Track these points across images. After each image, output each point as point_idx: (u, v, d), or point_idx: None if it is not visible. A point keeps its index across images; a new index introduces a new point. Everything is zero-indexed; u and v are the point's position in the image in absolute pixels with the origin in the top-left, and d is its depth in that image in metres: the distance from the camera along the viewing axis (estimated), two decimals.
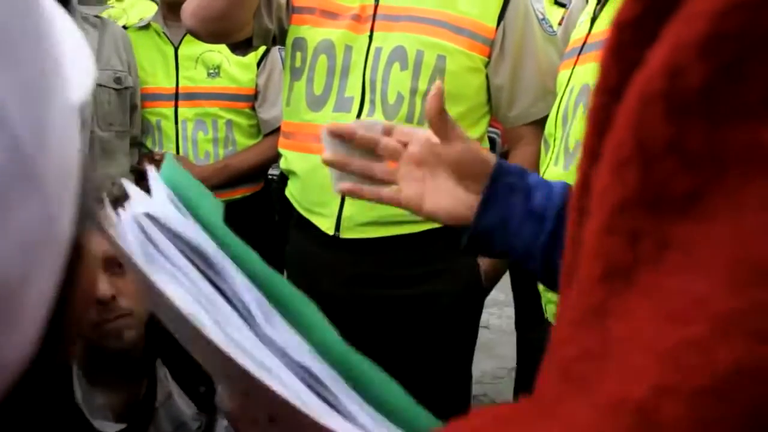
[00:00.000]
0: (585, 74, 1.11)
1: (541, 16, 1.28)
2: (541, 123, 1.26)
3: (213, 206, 0.38)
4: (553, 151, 1.16)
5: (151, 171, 0.41)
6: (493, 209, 0.61)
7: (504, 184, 0.61)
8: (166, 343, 1.04)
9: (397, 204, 0.65)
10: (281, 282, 0.36)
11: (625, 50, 0.23)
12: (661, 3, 0.21)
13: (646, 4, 0.22)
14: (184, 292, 0.34)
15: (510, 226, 0.61)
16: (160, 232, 0.36)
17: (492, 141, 1.42)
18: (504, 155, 1.47)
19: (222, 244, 0.36)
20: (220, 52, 1.71)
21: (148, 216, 0.36)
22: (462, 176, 0.63)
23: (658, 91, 0.20)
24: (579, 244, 0.23)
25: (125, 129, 1.70)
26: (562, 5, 2.06)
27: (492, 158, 0.64)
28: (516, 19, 1.20)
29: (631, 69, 0.21)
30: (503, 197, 0.61)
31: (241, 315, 0.35)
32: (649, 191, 0.20)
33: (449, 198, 0.63)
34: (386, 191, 0.65)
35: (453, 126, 0.64)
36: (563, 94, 1.15)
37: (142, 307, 0.98)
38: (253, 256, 0.36)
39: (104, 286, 0.93)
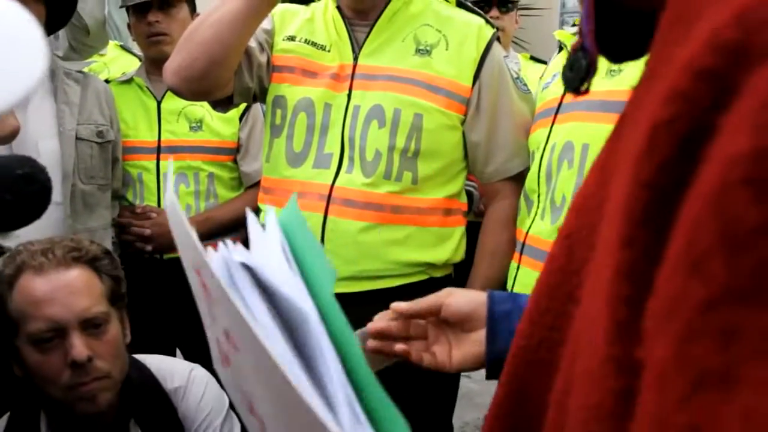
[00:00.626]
0: (566, 133, 1.14)
1: (515, 75, 1.32)
2: (516, 178, 1.29)
3: (326, 271, 0.34)
4: (538, 207, 1.19)
5: (270, 212, 0.38)
6: (499, 336, 0.70)
7: (500, 312, 0.71)
8: (141, 404, 1.02)
9: (435, 367, 0.76)
10: (374, 385, 0.32)
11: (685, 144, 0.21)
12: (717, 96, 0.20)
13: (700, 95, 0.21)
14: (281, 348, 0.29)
15: None
16: (250, 283, 0.32)
17: (469, 194, 1.44)
18: (481, 213, 1.50)
19: (323, 316, 0.32)
20: (203, 106, 1.73)
21: (244, 266, 0.32)
22: (463, 322, 0.73)
23: (742, 176, 0.18)
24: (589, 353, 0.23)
25: (107, 182, 1.70)
26: (541, 61, 2.13)
27: (481, 295, 0.73)
28: (491, 78, 1.24)
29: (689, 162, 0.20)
30: (503, 323, 0.70)
31: (325, 404, 0.30)
32: (742, 280, 0.18)
33: (465, 345, 0.74)
34: (427, 358, 0.76)
35: (436, 301, 0.75)
36: (543, 152, 1.19)
37: (118, 369, 0.97)
38: (353, 342, 0.32)
39: (80, 347, 0.91)
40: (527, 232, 1.20)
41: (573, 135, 1.14)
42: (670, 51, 0.25)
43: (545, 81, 1.30)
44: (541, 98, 1.29)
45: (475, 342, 0.72)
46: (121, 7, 1.89)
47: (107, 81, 1.90)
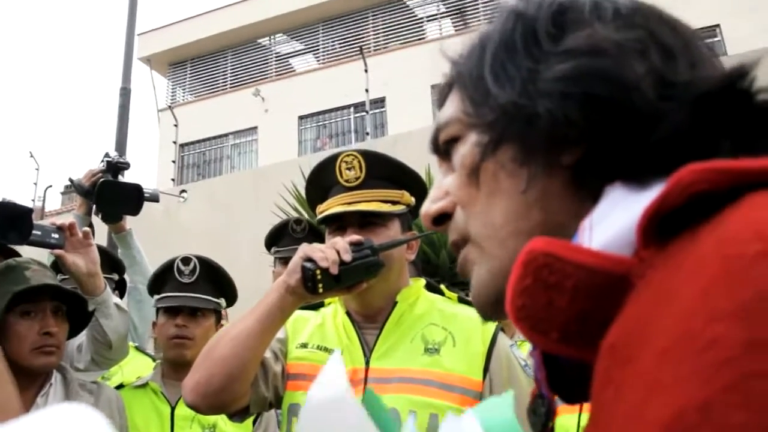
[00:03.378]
0: None
1: (523, 363, 1.36)
2: None
3: None
4: None
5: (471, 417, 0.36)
6: None
7: None
8: None
9: None
10: None
11: None
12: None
13: None
14: None
15: None
16: None
17: None
18: None
19: None
20: None
21: None
22: None
23: None
24: None
25: None
26: None
27: None
28: (500, 369, 1.27)
29: None
30: None
31: None
32: None
33: None
34: None
35: None
36: None
37: None
38: None
39: None
40: None
41: None
42: (607, 397, 0.31)
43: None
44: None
45: None
46: (154, 307, 2.00)
47: (122, 385, 1.93)
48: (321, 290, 1.16)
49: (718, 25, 10.53)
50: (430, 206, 0.54)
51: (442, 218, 0.54)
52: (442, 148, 0.54)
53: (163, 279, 1.98)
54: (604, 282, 0.36)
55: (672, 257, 0.32)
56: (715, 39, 10.67)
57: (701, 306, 0.27)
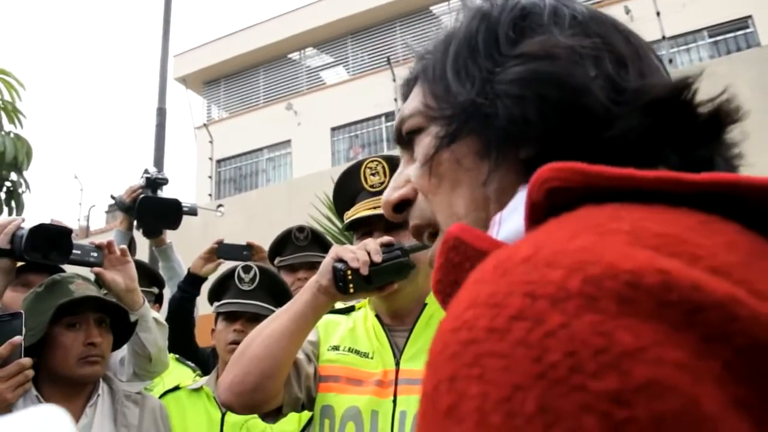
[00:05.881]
0: None
1: None
2: None
3: None
4: None
5: None
6: None
7: None
8: None
9: None
10: None
11: None
12: None
13: None
14: None
15: None
16: None
17: None
18: None
19: None
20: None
21: None
22: None
23: None
24: None
25: None
26: None
27: None
28: None
29: None
30: None
31: None
32: None
33: None
34: None
35: None
36: None
37: None
38: None
39: None
40: None
41: None
42: None
43: None
44: None
45: None
46: (215, 312, 2.06)
47: (177, 387, 1.98)
48: (352, 290, 1.18)
49: (750, 16, 10.29)
50: (391, 194, 0.57)
51: (402, 206, 0.57)
52: (405, 138, 0.57)
53: (224, 286, 2.03)
54: None
55: None
56: (748, 30, 10.43)
57: (468, 293, 0.31)
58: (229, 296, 1.99)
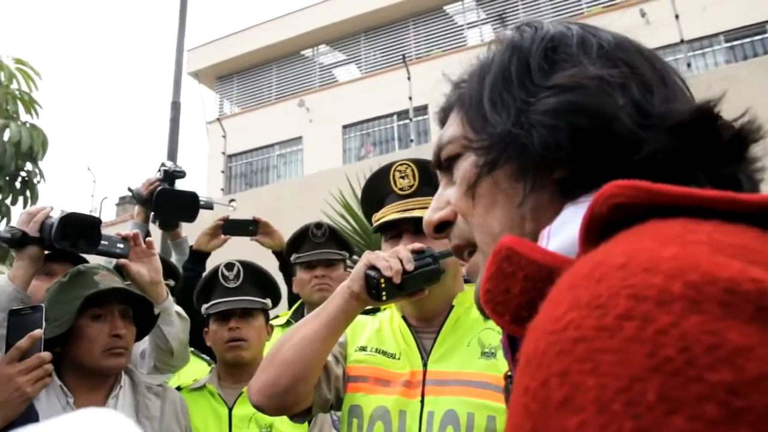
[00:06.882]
0: None
1: None
2: None
3: None
4: None
5: None
6: None
7: None
8: None
9: None
10: None
11: None
12: None
13: None
14: None
15: None
16: None
17: None
18: None
19: None
20: None
21: None
22: None
23: None
24: None
25: None
26: None
27: None
28: None
29: None
30: None
31: None
32: None
33: None
34: None
35: None
36: None
37: None
38: None
39: None
40: None
41: None
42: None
43: None
44: None
45: None
46: (205, 314, 2.07)
47: (179, 388, 1.99)
48: (385, 297, 1.20)
49: (767, 21, 10.23)
50: (432, 215, 0.61)
51: (443, 226, 0.60)
52: (444, 164, 0.60)
53: (209, 287, 2.04)
54: (547, 275, 0.42)
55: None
56: (765, 36, 10.36)
57: (564, 297, 0.33)
58: (217, 296, 2.00)
